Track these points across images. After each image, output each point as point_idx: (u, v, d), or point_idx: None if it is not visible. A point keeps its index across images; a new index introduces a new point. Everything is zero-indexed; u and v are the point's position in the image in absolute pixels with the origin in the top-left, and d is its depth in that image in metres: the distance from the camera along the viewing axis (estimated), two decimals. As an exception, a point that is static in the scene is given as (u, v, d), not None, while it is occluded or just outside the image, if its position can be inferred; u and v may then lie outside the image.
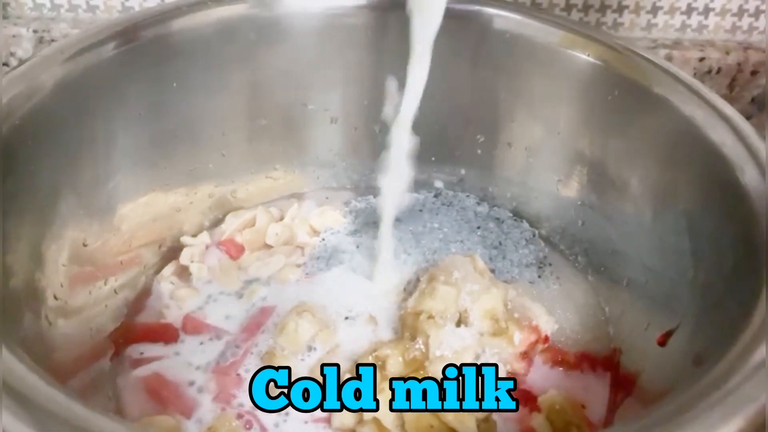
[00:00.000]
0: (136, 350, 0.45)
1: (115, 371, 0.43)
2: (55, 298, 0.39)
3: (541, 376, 0.44)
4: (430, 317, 0.43)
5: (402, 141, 0.44)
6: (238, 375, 0.43)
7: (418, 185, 0.57)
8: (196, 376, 0.43)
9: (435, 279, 0.45)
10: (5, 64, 0.65)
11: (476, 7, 0.50)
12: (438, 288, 0.44)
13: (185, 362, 0.44)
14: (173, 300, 0.48)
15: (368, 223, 0.54)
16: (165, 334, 0.46)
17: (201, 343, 0.45)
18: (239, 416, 0.41)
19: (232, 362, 0.44)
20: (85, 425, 0.25)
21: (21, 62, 0.39)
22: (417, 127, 0.45)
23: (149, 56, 0.45)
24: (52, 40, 0.63)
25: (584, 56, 0.47)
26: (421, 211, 0.55)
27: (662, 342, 0.40)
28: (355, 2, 0.50)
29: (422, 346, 0.42)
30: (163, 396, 0.42)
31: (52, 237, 0.39)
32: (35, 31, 0.62)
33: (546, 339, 0.44)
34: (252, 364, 0.43)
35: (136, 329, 0.46)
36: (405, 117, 0.43)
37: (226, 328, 0.46)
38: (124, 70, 0.44)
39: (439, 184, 0.58)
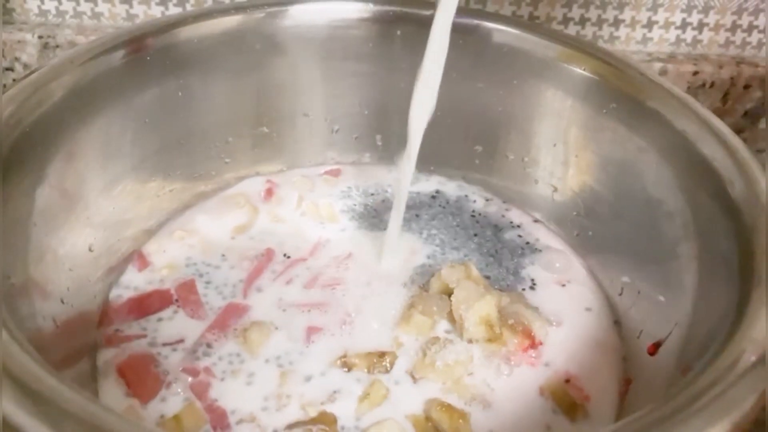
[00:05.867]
0: (116, 326, 0.45)
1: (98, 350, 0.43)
2: (62, 302, 0.40)
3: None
4: (399, 344, 0.45)
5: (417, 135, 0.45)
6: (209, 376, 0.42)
7: (416, 192, 0.58)
8: (166, 362, 0.43)
9: (414, 307, 0.46)
10: (10, 69, 0.65)
11: (475, 21, 0.51)
12: (414, 316, 0.46)
13: (159, 343, 0.44)
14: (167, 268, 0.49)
15: (364, 226, 0.54)
16: (157, 302, 0.46)
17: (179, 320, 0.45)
18: (210, 409, 0.40)
19: (204, 367, 0.43)
20: (84, 414, 0.25)
21: (32, 71, 0.40)
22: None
23: (156, 65, 0.46)
24: (57, 46, 0.64)
25: (580, 70, 0.48)
26: (417, 216, 0.56)
27: (652, 352, 0.41)
28: (359, 15, 0.52)
29: (388, 365, 0.43)
30: (128, 377, 0.42)
31: (59, 242, 0.40)
32: (40, 37, 0.63)
33: (539, 344, 0.45)
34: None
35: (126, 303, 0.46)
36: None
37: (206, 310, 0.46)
38: (131, 78, 0.45)
39: (436, 191, 0.59)
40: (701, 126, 0.41)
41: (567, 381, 0.43)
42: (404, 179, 0.47)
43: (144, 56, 0.45)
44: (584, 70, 0.48)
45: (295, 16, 0.51)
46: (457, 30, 0.42)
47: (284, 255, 0.51)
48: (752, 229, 0.35)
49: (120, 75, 0.44)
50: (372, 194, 0.58)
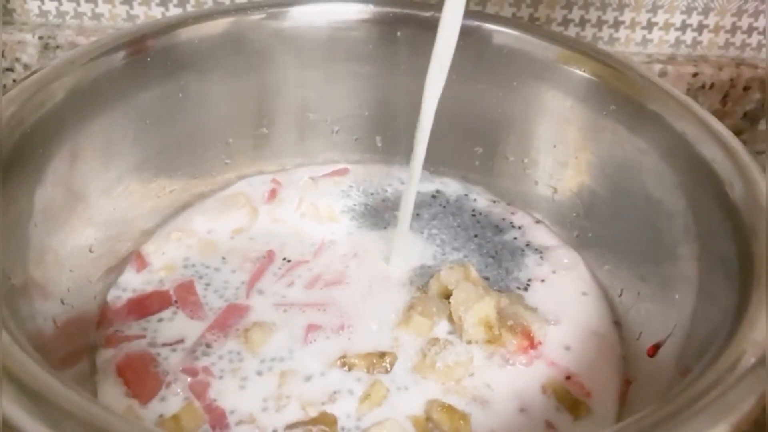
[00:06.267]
0: (116, 327, 0.45)
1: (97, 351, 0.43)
2: (63, 302, 0.40)
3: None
4: (399, 345, 0.45)
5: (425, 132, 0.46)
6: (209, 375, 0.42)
7: (419, 193, 0.58)
8: (166, 362, 0.43)
9: (413, 308, 0.47)
10: (10, 69, 0.65)
11: (475, 23, 0.51)
12: (414, 317, 0.46)
13: (158, 344, 0.44)
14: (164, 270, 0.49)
15: (365, 226, 0.55)
16: (156, 303, 0.46)
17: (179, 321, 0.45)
18: (209, 409, 0.40)
19: (203, 367, 0.43)
20: (84, 414, 0.25)
21: (33, 71, 0.40)
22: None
23: (157, 66, 0.46)
24: (57, 47, 0.64)
25: (580, 72, 0.49)
26: (418, 215, 0.56)
27: (652, 353, 0.41)
28: (359, 16, 0.52)
29: (388, 365, 0.44)
30: (128, 377, 0.42)
31: (60, 242, 0.40)
32: (40, 38, 0.63)
33: (539, 344, 0.45)
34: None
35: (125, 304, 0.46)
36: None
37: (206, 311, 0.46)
38: (132, 79, 0.45)
39: (437, 191, 0.59)
40: (701, 128, 0.42)
41: (568, 378, 0.44)
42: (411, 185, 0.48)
43: (145, 57, 0.46)
44: (584, 71, 0.48)
45: (296, 17, 0.51)
46: (457, 31, 0.42)
47: (284, 259, 0.51)
48: (752, 230, 0.35)
49: (121, 76, 0.44)
50: (372, 194, 0.58)
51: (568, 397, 0.42)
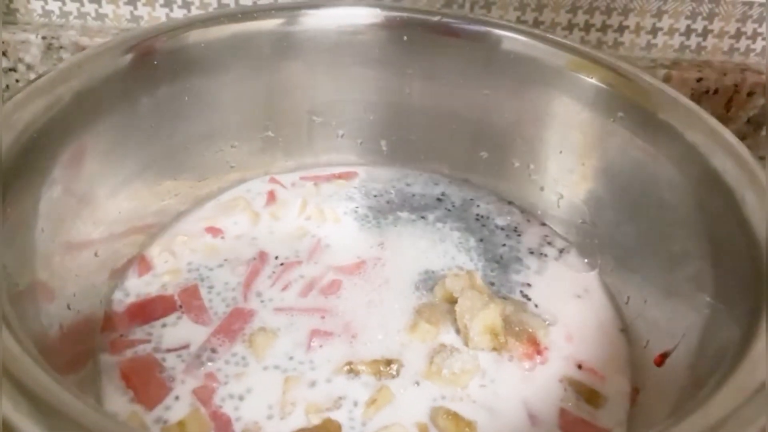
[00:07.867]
0: (120, 332, 0.44)
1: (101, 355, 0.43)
2: (69, 307, 0.39)
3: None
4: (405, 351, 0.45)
5: None
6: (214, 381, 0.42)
7: (422, 194, 0.58)
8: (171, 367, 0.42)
9: (420, 315, 0.47)
10: (12, 69, 0.65)
11: (484, 28, 0.51)
12: (420, 324, 0.46)
13: (163, 349, 0.43)
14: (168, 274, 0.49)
15: (367, 229, 0.55)
16: (160, 308, 0.46)
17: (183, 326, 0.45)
18: (214, 416, 0.40)
19: (208, 372, 0.43)
20: (88, 422, 0.25)
21: (40, 75, 0.40)
22: (423, 142, 0.46)
23: (163, 70, 0.46)
24: (61, 47, 0.63)
25: (588, 79, 0.48)
26: (423, 218, 0.56)
27: (659, 363, 0.41)
28: (367, 21, 0.52)
29: (394, 372, 0.43)
30: (133, 382, 0.41)
31: (66, 247, 0.40)
32: (44, 38, 0.63)
33: (545, 350, 0.45)
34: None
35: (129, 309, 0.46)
36: None
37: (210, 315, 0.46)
38: (138, 83, 0.45)
39: (442, 194, 0.59)
40: (711, 137, 0.41)
41: (579, 367, 0.44)
42: None
43: (151, 60, 0.45)
44: (592, 78, 0.48)
45: (303, 21, 0.51)
46: (465, 36, 0.42)
47: (277, 261, 0.51)
48: (763, 240, 0.35)
49: (127, 79, 0.44)
50: (375, 196, 0.58)
51: (584, 388, 0.43)
